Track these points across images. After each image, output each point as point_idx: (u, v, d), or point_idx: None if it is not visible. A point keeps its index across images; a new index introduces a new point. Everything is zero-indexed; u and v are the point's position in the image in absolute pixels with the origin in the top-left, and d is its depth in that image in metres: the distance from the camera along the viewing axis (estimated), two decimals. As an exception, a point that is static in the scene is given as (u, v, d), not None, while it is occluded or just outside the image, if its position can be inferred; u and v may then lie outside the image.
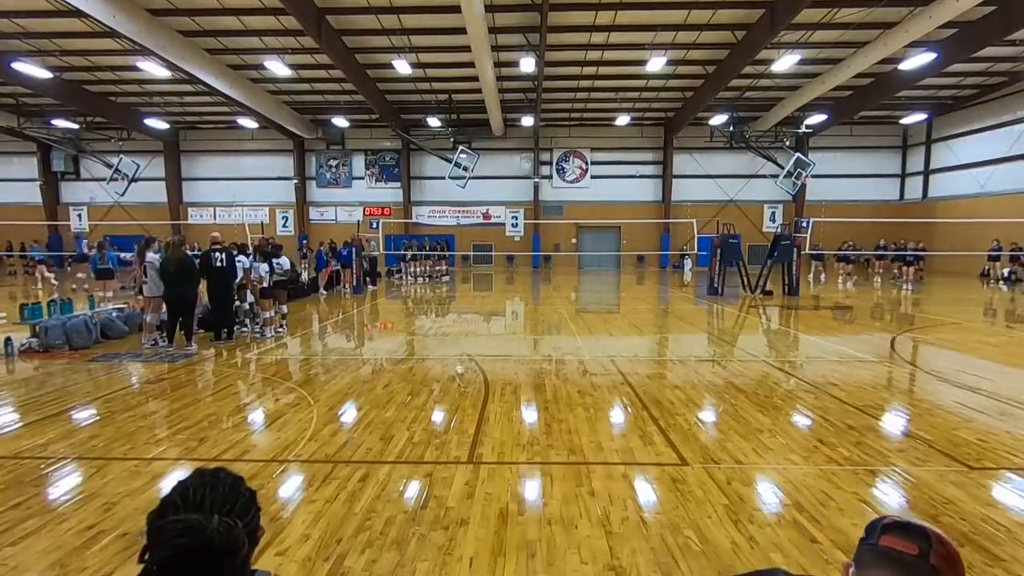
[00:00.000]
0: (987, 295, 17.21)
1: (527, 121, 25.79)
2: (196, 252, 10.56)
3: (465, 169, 25.89)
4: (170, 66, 18.41)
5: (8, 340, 8.20)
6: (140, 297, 12.72)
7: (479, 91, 21.29)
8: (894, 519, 0.95)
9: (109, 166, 26.44)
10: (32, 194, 29.67)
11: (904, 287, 18.86)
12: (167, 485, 3.87)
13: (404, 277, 22.59)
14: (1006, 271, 20.25)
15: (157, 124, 26.49)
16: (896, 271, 21.44)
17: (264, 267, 9.60)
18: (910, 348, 8.93)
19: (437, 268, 23.57)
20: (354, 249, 17.12)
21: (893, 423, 5.30)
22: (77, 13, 14.94)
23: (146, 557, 0.92)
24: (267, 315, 9.80)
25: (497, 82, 21.19)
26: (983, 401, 5.83)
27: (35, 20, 16.94)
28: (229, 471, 1.05)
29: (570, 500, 3.62)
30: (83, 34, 17.68)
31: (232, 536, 0.94)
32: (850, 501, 3.60)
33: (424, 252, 23.60)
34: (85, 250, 12.58)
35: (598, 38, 18.56)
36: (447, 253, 26.03)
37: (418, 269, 23.05)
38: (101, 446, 4.58)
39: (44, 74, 18.99)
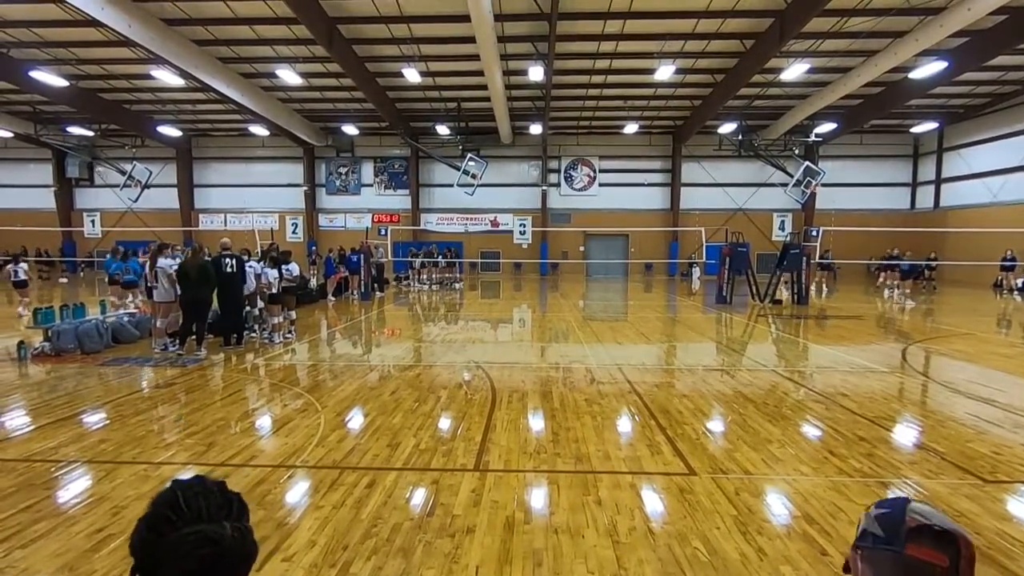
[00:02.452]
0: (1000, 305, 16.99)
1: (535, 129, 25.87)
2: (207, 257, 10.66)
3: (473, 176, 25.96)
4: (183, 75, 18.67)
5: (21, 344, 8.30)
6: (133, 300, 12.89)
7: (488, 99, 21.40)
8: (920, 519, 0.85)
9: (122, 172, 26.80)
10: (47, 200, 30.10)
11: (894, 299, 17.71)
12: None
13: (412, 284, 22.65)
14: (1020, 281, 19.97)
15: (170, 131, 26.85)
16: (881, 281, 20.80)
17: (274, 273, 9.67)
18: (922, 359, 8.82)
19: (447, 275, 23.60)
20: (362, 256, 17.22)
21: (905, 435, 5.23)
22: (93, 23, 15.20)
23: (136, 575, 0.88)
24: (276, 321, 9.86)
25: (506, 90, 21.29)
26: (997, 413, 5.75)
27: (52, 29, 17.27)
28: (208, 478, 1.00)
29: (577, 509, 3.60)
30: (99, 43, 17.98)
31: (247, 541, 0.93)
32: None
33: (433, 259, 23.69)
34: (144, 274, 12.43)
35: (607, 47, 18.64)
36: (457, 260, 26.09)
37: (426, 276, 23.11)
38: (111, 450, 4.61)
39: (60, 82, 19.34)
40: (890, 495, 3.81)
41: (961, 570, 0.81)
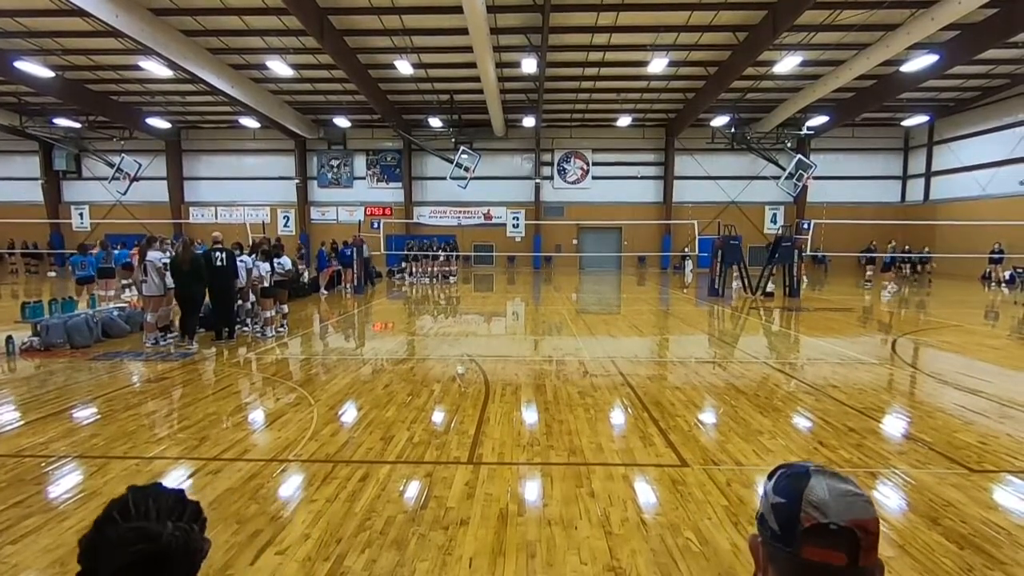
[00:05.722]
0: (988, 298, 17.18)
1: (528, 122, 25.77)
2: (200, 249, 10.59)
3: (466, 169, 25.88)
4: (172, 65, 18.42)
5: (9, 338, 8.21)
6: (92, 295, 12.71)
7: (481, 91, 21.29)
8: (816, 516, 0.80)
9: (111, 165, 26.47)
10: (34, 193, 29.70)
11: (887, 290, 17.78)
12: (167, 484, 3.87)
13: (405, 277, 22.54)
14: (1007, 274, 20.18)
15: (159, 123, 26.51)
16: (870, 275, 20.98)
17: (265, 267, 9.62)
18: (911, 350, 8.92)
19: (444, 268, 23.43)
20: (355, 249, 17.14)
21: (893, 425, 5.29)
22: (80, 12, 14.95)
23: None
24: (268, 314, 9.80)
25: (499, 83, 21.18)
26: (984, 404, 5.82)
27: (38, 19, 16.97)
28: (167, 486, 0.99)
29: (570, 501, 3.62)
30: (85, 33, 17.69)
31: (191, 538, 0.90)
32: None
33: (429, 252, 23.50)
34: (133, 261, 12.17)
35: (600, 39, 18.56)
36: (457, 253, 25.79)
37: (424, 269, 22.91)
38: (102, 445, 4.59)
39: (46, 73, 19.01)
40: (879, 485, 3.86)
41: (861, 559, 0.79)
